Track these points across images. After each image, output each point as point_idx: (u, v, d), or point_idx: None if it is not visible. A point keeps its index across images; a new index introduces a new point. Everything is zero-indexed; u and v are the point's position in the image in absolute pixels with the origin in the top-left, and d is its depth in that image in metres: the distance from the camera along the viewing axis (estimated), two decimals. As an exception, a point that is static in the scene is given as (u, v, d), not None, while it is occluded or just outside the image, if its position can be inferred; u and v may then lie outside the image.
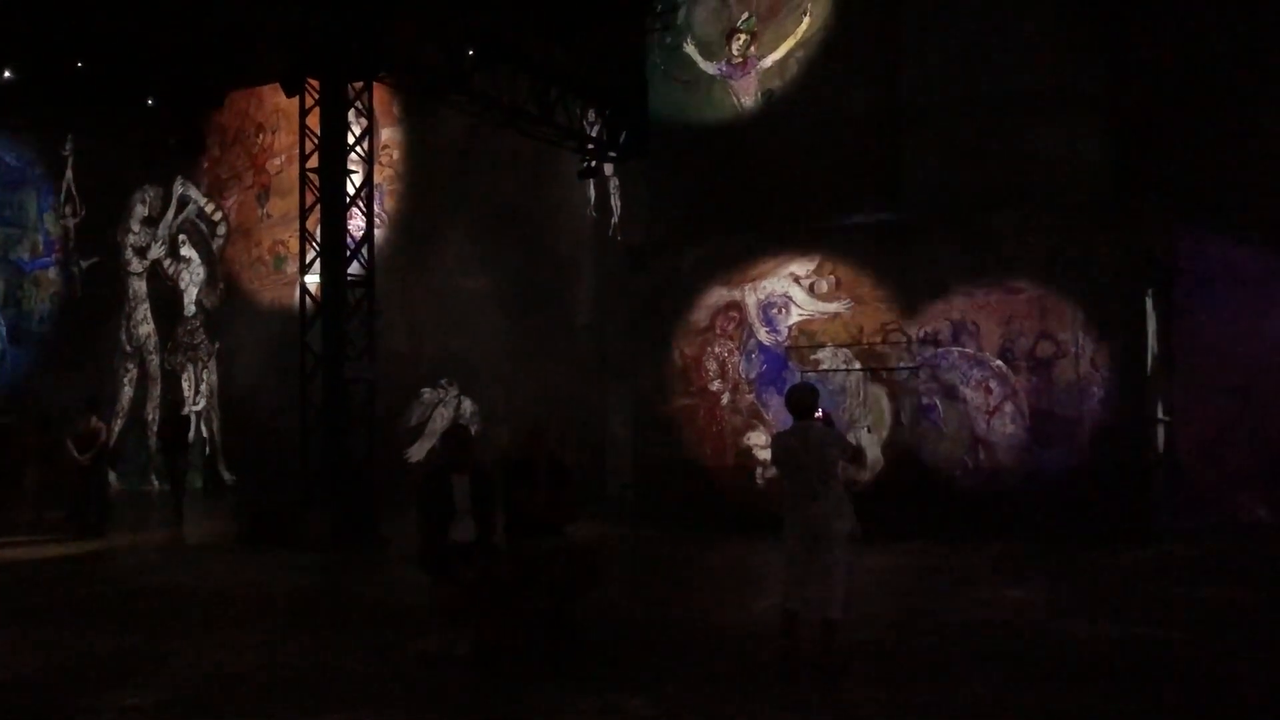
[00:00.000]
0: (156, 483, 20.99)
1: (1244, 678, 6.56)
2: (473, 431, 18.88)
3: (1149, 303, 12.78)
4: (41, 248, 25.08)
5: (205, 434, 22.46)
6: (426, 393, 20.30)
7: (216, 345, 22.52)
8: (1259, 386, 13.76)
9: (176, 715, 6.06)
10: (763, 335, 14.23)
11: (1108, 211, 12.91)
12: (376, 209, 15.83)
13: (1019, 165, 13.26)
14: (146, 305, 23.47)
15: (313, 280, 14.22)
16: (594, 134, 17.63)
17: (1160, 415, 13.24)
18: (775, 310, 14.18)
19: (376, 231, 14.71)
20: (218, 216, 22.78)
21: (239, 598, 9.85)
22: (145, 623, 8.70)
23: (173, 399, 21.21)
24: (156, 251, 23.39)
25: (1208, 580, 9.92)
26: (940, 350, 13.13)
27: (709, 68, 16.29)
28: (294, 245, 17.89)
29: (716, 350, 14.51)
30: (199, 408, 22.51)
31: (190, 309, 22.98)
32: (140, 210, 23.57)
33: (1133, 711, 5.90)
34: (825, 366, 13.75)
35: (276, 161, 21.93)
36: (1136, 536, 11.81)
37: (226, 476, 22.00)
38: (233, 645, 7.70)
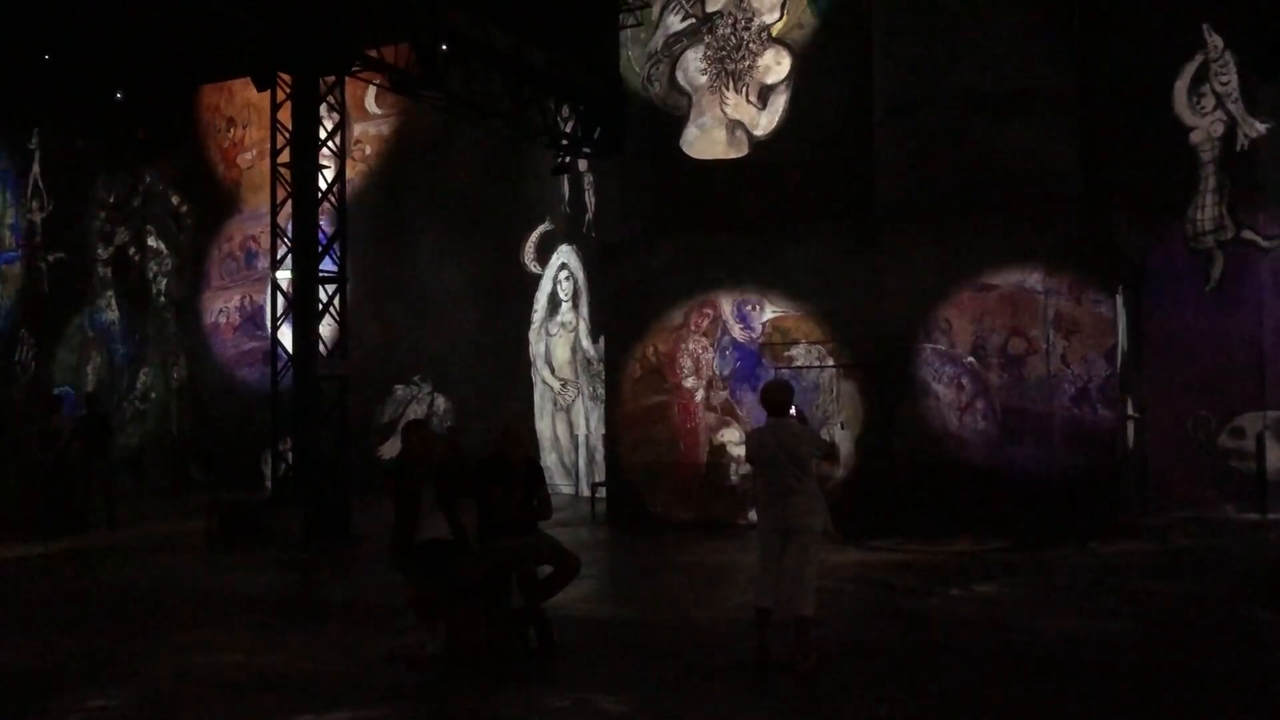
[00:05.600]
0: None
1: (1212, 671, 6.63)
2: (444, 427, 19.05)
3: (1119, 300, 12.88)
4: (9, 242, 24.78)
5: (175, 430, 22.26)
6: (399, 389, 20.22)
7: (188, 338, 22.31)
8: (1226, 383, 13.92)
9: (146, 716, 6.01)
10: (736, 332, 14.25)
11: (1078, 210, 13.01)
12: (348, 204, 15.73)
13: (990, 164, 13.32)
14: (110, 292, 23.19)
15: (284, 276, 14.13)
16: (568, 130, 17.59)
17: (1130, 412, 13.36)
18: (749, 307, 14.20)
19: (348, 227, 14.62)
20: (185, 209, 22.57)
21: (210, 596, 9.76)
22: (114, 622, 8.62)
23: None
24: (122, 238, 23.11)
25: (1174, 575, 10.02)
26: (913, 347, 13.17)
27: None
28: (265, 240, 17.77)
29: (690, 347, 14.50)
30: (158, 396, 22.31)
31: (160, 300, 22.74)
32: (106, 196, 23.26)
33: (1102, 705, 5.95)
34: (799, 363, 13.78)
35: (247, 156, 21.76)
36: (1106, 532, 11.90)
37: (196, 474, 21.79)
38: (203, 645, 7.64)
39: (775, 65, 15.79)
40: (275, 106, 14.21)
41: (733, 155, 15.98)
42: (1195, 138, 14.25)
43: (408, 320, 20.16)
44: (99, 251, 23.35)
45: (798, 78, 15.65)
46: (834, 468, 12.82)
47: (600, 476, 16.28)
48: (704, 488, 14.23)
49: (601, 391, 16.49)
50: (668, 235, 15.34)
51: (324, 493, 13.40)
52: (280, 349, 14.08)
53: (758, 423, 9.05)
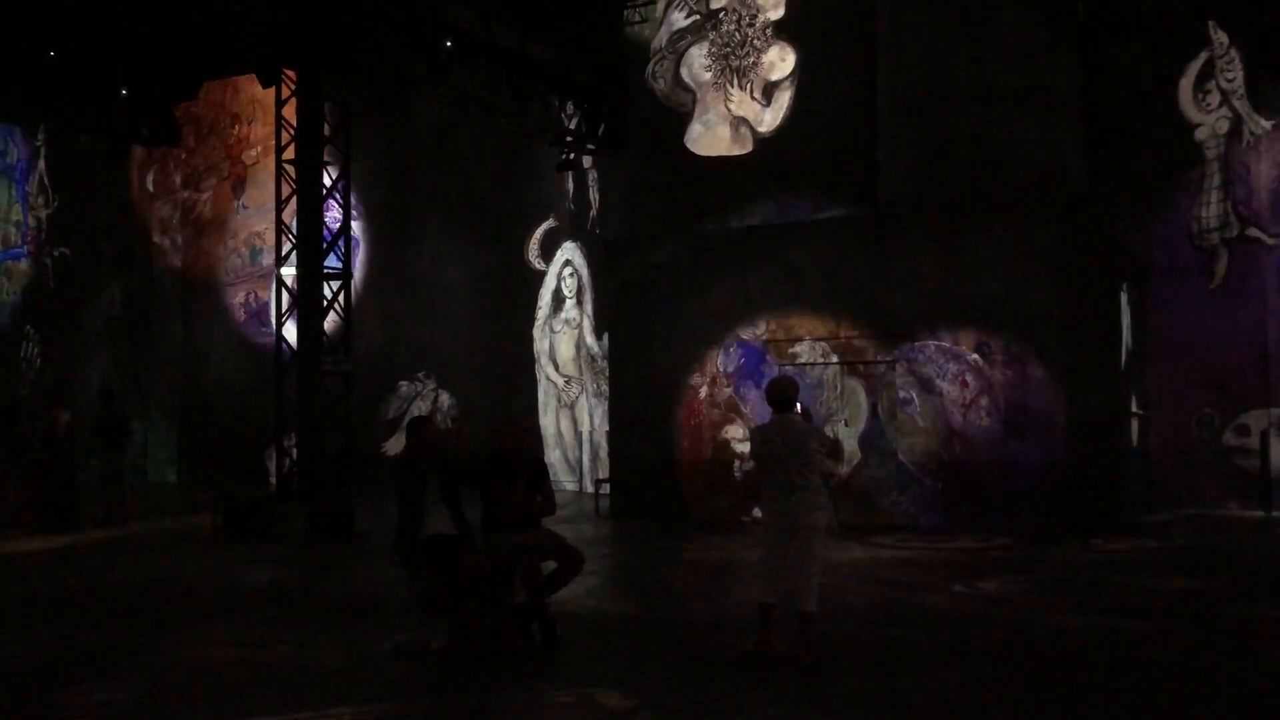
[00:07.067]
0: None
1: (1213, 667, 6.63)
2: (448, 422, 19.08)
3: (1123, 297, 12.87)
4: (15, 238, 24.82)
5: (179, 426, 22.27)
6: (403, 386, 20.24)
7: (192, 334, 22.32)
8: (1231, 381, 13.90)
9: (151, 711, 6.02)
10: (740, 329, 14.24)
11: (1083, 206, 12.99)
12: (353, 201, 15.74)
13: (995, 160, 13.31)
14: (115, 288, 23.19)
15: (289, 272, 14.15)
16: (572, 127, 17.59)
17: (1134, 409, 13.35)
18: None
19: (353, 223, 14.65)
20: (190, 205, 22.58)
21: (214, 592, 9.79)
22: (119, 618, 8.63)
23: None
24: (127, 234, 23.08)
25: (1178, 571, 10.02)
26: (916, 344, 13.18)
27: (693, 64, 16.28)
28: (270, 237, 17.79)
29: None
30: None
31: (164, 296, 22.73)
32: (111, 192, 23.20)
33: (1105, 702, 5.95)
34: (803, 360, 13.79)
35: (252, 152, 21.77)
36: (1109, 529, 11.90)
37: (200, 470, 21.80)
38: (208, 640, 7.66)
39: (780, 62, 15.76)
40: (280, 103, 14.23)
41: (737, 152, 15.96)
42: (1200, 135, 14.23)
43: (412, 316, 20.17)
44: (104, 247, 23.37)
45: (802, 74, 15.62)
46: (837, 465, 12.83)
47: (604, 473, 16.30)
48: (707, 484, 14.24)
49: (605, 388, 16.49)
50: (671, 232, 15.35)
51: (328, 489, 13.42)
52: (285, 345, 14.10)
53: (762, 419, 9.06)
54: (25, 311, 24.48)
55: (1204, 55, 14.23)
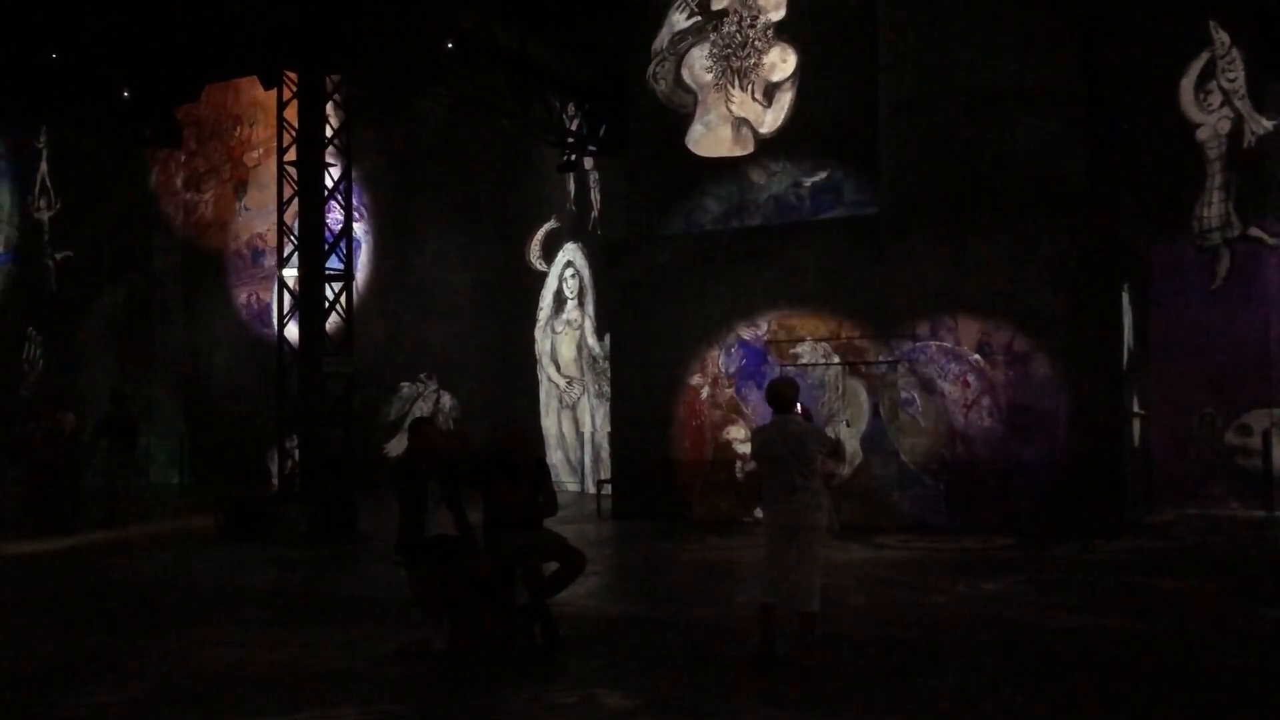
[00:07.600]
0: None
1: (1217, 669, 6.63)
2: (449, 424, 19.10)
3: (1125, 298, 12.87)
4: (15, 240, 24.84)
5: (181, 427, 22.30)
6: (405, 387, 20.26)
7: (194, 336, 22.33)
8: (1232, 380, 13.91)
9: (152, 711, 6.03)
10: (742, 329, 14.25)
11: (1084, 207, 13.00)
12: (355, 203, 15.77)
13: (996, 160, 13.32)
14: (117, 290, 23.19)
15: (291, 274, 14.17)
16: (573, 128, 17.60)
17: (1135, 409, 13.35)
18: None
19: (355, 225, 14.68)
20: (192, 207, 22.59)
21: (217, 593, 9.80)
22: (121, 619, 8.65)
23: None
24: (128, 236, 23.08)
25: (1179, 572, 10.01)
26: (918, 344, 13.19)
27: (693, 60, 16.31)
28: (272, 238, 17.81)
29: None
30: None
31: (166, 298, 22.73)
32: (113, 195, 23.18)
33: (1106, 702, 5.96)
34: (804, 361, 13.79)
35: (254, 154, 21.80)
36: (1111, 529, 11.91)
37: (202, 471, 21.83)
38: (210, 641, 7.67)
39: (781, 63, 15.79)
40: (282, 105, 14.26)
41: (738, 153, 15.99)
42: (1202, 135, 14.24)
43: (413, 318, 20.19)
44: (106, 249, 23.38)
45: (803, 75, 15.65)
46: (839, 465, 12.84)
47: (605, 473, 16.31)
48: (709, 485, 14.25)
49: (607, 389, 16.51)
50: (673, 233, 15.36)
51: (329, 490, 13.45)
52: (287, 346, 14.12)
53: (763, 420, 9.07)
54: (27, 313, 24.50)
55: (1205, 55, 14.24)
